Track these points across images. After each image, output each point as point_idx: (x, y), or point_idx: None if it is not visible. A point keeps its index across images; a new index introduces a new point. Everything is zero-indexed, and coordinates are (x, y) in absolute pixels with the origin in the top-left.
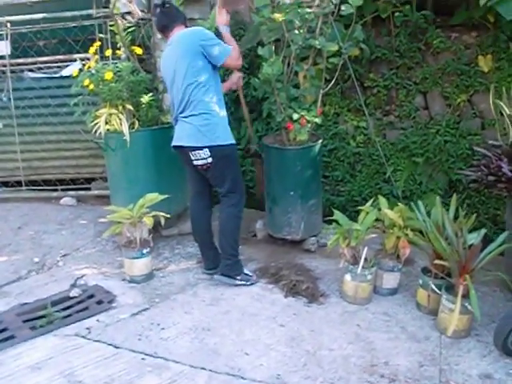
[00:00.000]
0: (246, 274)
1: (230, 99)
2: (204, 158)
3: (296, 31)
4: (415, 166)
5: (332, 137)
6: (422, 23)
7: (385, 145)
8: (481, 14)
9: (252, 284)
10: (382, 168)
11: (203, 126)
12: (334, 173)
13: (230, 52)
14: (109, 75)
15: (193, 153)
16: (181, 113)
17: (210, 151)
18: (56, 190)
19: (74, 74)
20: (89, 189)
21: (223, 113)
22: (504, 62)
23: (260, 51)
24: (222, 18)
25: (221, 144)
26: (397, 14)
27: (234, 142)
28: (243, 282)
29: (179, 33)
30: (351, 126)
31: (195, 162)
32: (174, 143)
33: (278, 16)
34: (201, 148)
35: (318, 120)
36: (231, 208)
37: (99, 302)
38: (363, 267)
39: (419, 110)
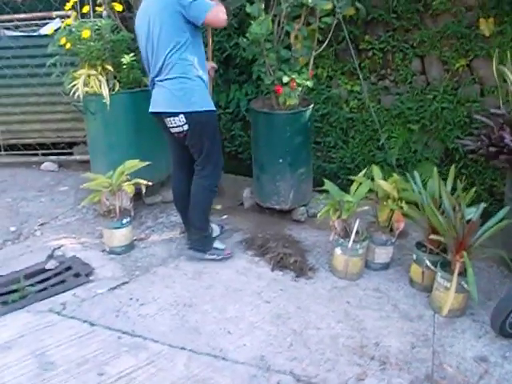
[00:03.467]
0: (216, 248)
1: (219, 61)
2: (180, 125)
3: None
4: (410, 134)
5: (324, 101)
6: None
7: (379, 110)
8: None
9: (224, 259)
10: (375, 135)
11: (178, 90)
12: (326, 139)
13: (210, 8)
14: (86, 33)
15: (168, 119)
16: (156, 76)
17: (186, 118)
18: (36, 155)
19: (50, 33)
20: (71, 153)
21: (203, 76)
22: (507, 26)
23: (248, 9)
24: None
25: (197, 110)
26: None
27: (212, 108)
28: (213, 257)
29: None
30: (344, 90)
31: (172, 130)
32: (150, 109)
33: None
34: (176, 114)
35: (309, 83)
36: (202, 180)
37: (76, 275)
38: (354, 241)
39: (416, 75)
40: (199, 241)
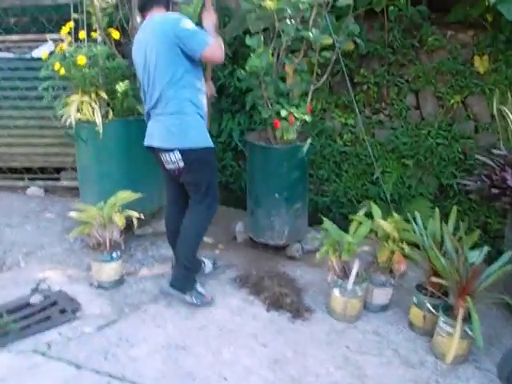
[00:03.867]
0: (199, 293)
1: None
2: (175, 162)
3: (288, 21)
4: (404, 169)
5: (318, 134)
6: (417, 19)
7: (373, 144)
8: (479, 13)
9: (204, 304)
10: (369, 169)
11: (174, 125)
12: (319, 171)
13: (208, 43)
14: (82, 60)
15: (163, 155)
16: (152, 108)
17: (182, 154)
18: (22, 179)
19: (44, 57)
20: (58, 179)
21: (200, 111)
22: (501, 64)
23: (248, 41)
24: (210, 18)
25: (193, 147)
26: (391, 7)
27: (209, 145)
28: (192, 301)
29: (155, 17)
30: (339, 123)
31: (167, 166)
32: (145, 143)
33: (269, 4)
34: (171, 150)
35: (307, 118)
36: (197, 214)
37: (62, 311)
38: (354, 282)
39: (410, 110)
40: (181, 278)
